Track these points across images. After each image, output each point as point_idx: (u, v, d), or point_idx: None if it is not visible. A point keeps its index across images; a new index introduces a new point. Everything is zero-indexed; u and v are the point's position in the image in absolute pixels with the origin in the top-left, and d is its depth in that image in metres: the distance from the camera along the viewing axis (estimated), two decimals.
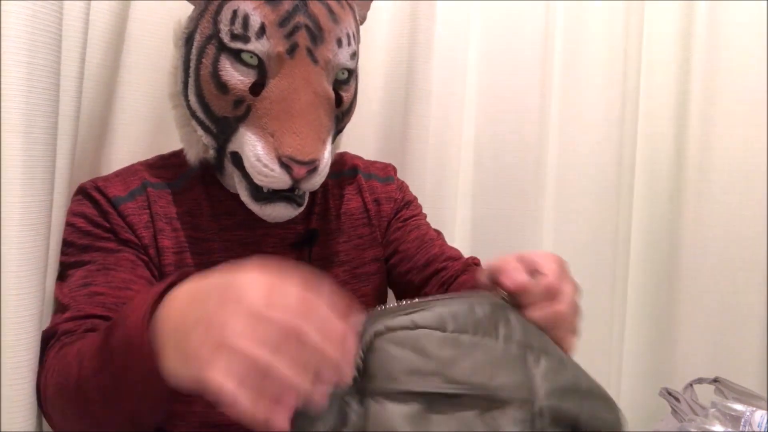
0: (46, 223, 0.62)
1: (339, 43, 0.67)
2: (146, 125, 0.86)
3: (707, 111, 1.11)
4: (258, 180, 0.66)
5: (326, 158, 0.67)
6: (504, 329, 0.46)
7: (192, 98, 0.69)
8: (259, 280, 0.38)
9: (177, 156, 0.76)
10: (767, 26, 1.09)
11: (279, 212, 0.68)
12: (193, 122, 0.70)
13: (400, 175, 0.91)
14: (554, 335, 0.52)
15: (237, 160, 0.68)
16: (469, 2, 1.06)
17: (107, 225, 0.68)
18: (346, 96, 0.71)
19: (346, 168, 0.85)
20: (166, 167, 0.75)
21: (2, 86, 0.56)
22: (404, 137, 1.04)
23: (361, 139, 1.01)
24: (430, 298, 0.47)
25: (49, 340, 0.61)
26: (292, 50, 0.64)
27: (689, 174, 1.13)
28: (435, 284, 0.78)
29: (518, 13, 1.08)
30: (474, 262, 0.81)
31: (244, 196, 0.69)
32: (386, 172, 0.87)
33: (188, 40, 0.69)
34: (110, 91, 0.83)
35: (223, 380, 0.35)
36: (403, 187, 0.88)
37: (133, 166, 0.76)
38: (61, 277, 0.67)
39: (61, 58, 0.63)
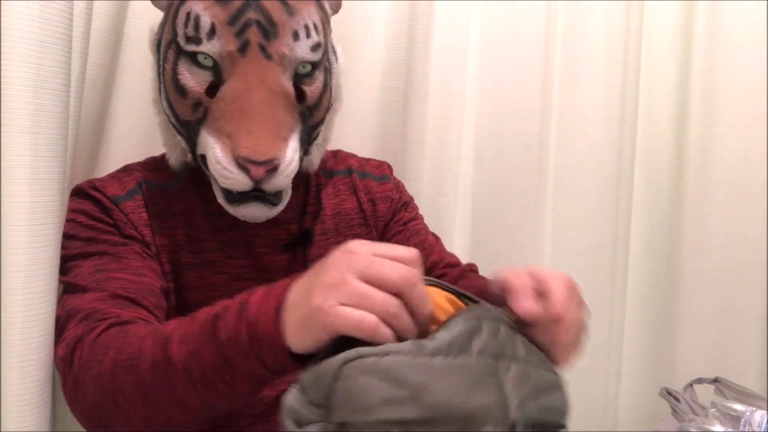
0: (55, 223, 0.62)
1: (295, 36, 0.66)
2: (143, 126, 0.86)
3: (707, 111, 1.11)
4: (221, 183, 0.65)
5: (289, 156, 0.66)
6: (479, 342, 0.44)
7: (164, 104, 0.69)
8: (366, 244, 0.46)
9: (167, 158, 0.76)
10: (767, 26, 1.09)
11: (253, 213, 0.68)
12: (171, 127, 0.71)
13: (398, 176, 0.91)
14: (554, 355, 0.51)
15: (206, 162, 0.68)
16: (469, 2, 1.06)
17: (110, 221, 0.68)
18: (309, 90, 0.69)
19: (340, 167, 0.84)
20: (160, 169, 0.75)
21: (6, 86, 0.57)
22: (403, 137, 1.04)
23: (359, 139, 1.01)
24: None
25: (68, 320, 0.59)
26: (243, 48, 0.64)
27: (689, 174, 1.13)
28: None
29: (518, 13, 1.08)
30: (471, 269, 0.81)
31: (219, 198, 0.69)
32: (381, 171, 0.86)
33: (158, 46, 0.69)
34: (107, 91, 0.83)
35: (353, 315, 0.42)
36: (399, 186, 0.87)
37: (127, 166, 0.76)
38: (64, 270, 0.66)
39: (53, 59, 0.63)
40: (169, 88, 0.67)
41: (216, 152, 0.64)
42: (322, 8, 0.72)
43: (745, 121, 1.11)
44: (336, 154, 0.86)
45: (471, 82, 1.09)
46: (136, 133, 0.86)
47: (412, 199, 0.89)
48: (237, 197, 0.67)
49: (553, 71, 1.10)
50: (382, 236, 0.83)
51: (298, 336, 0.45)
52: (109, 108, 0.84)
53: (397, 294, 0.43)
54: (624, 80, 1.11)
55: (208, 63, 0.65)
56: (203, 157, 0.68)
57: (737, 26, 1.09)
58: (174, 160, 0.73)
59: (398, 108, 1.05)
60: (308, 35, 0.67)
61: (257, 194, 0.67)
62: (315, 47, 0.68)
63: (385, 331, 0.42)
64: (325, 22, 0.72)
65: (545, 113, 1.09)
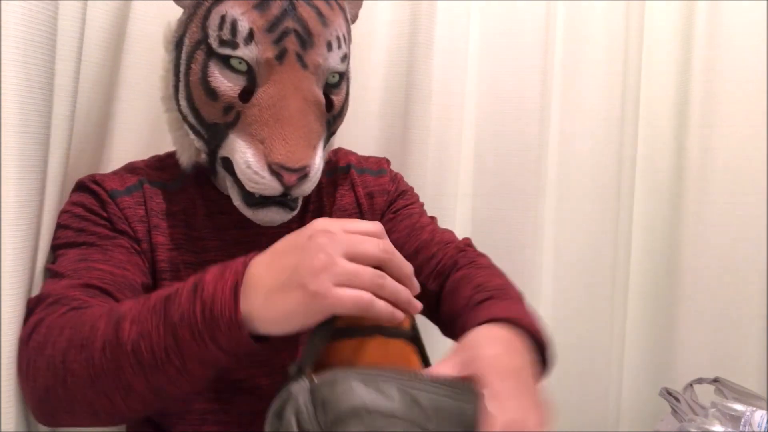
0: (36, 224, 0.62)
1: (329, 46, 0.66)
2: (145, 125, 0.86)
3: (707, 111, 1.11)
4: (249, 187, 0.65)
5: (317, 164, 0.67)
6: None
7: (183, 103, 0.69)
8: (334, 222, 0.49)
9: (173, 157, 0.76)
10: (767, 26, 1.09)
11: (272, 217, 0.68)
12: (185, 126, 0.70)
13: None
14: None
15: (228, 165, 0.68)
16: (469, 2, 1.06)
17: (104, 214, 0.68)
18: (336, 99, 0.70)
19: (340, 164, 0.85)
20: (163, 168, 0.76)
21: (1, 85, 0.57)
22: (404, 138, 1.04)
23: (361, 140, 1.01)
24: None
25: (37, 305, 0.59)
26: (281, 56, 0.64)
27: (689, 174, 1.13)
28: (428, 274, 0.76)
29: (518, 13, 1.08)
30: (466, 244, 0.80)
31: (237, 201, 0.69)
32: (379, 165, 0.87)
33: (178, 44, 0.69)
34: (109, 91, 0.83)
35: (350, 294, 0.44)
36: (396, 178, 0.87)
37: (131, 164, 0.76)
38: (53, 259, 0.66)
39: (57, 57, 0.63)
40: (197, 89, 0.66)
41: (247, 157, 0.64)
42: (347, 20, 0.73)
43: (745, 121, 1.11)
44: (336, 152, 0.87)
45: (471, 82, 1.10)
46: (140, 133, 0.86)
47: (411, 189, 0.88)
48: (258, 201, 0.67)
49: (553, 71, 1.10)
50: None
51: (283, 320, 0.46)
52: (112, 108, 0.84)
53: (378, 266, 0.47)
54: (624, 80, 1.12)
55: (243, 68, 0.64)
56: (225, 160, 0.68)
57: (737, 26, 1.09)
58: (186, 159, 0.73)
59: (400, 108, 1.05)
60: (339, 46, 0.68)
61: (279, 199, 0.67)
62: (344, 58, 0.69)
63: (380, 304, 0.45)
64: (349, 32, 0.73)
65: (545, 113, 1.10)
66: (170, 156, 0.77)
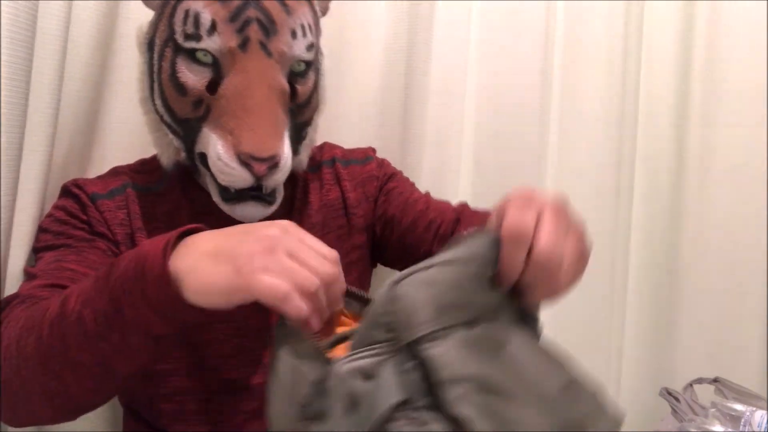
0: (7, 226, 0.63)
1: (293, 34, 0.67)
2: (134, 125, 0.86)
3: (707, 111, 1.11)
4: (221, 180, 0.66)
5: (286, 153, 0.67)
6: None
7: (158, 102, 0.69)
8: (297, 229, 0.48)
9: (156, 159, 0.76)
10: (767, 26, 1.09)
11: (249, 212, 0.68)
12: (163, 126, 0.71)
13: None
14: (552, 293, 0.47)
15: (205, 161, 0.68)
16: (470, 2, 1.06)
17: (84, 217, 0.69)
18: (302, 89, 0.70)
19: (325, 157, 0.85)
20: (147, 171, 0.76)
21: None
22: (404, 138, 1.04)
23: (360, 139, 1.01)
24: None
25: (6, 306, 0.59)
26: (244, 44, 0.64)
27: (689, 174, 1.13)
28: (431, 241, 0.77)
29: (518, 13, 1.08)
30: (463, 206, 0.81)
31: (215, 197, 0.69)
32: (365, 154, 0.87)
33: (150, 46, 0.69)
34: (98, 90, 0.83)
35: (272, 281, 0.43)
36: (383, 163, 0.88)
37: (115, 168, 0.77)
38: (35, 261, 0.67)
39: (40, 56, 0.64)
40: (167, 86, 0.67)
41: (218, 149, 0.64)
42: (313, 10, 0.73)
43: (746, 121, 1.11)
44: (321, 147, 0.87)
45: (471, 82, 1.09)
46: (129, 132, 0.86)
47: (399, 172, 0.89)
48: (234, 196, 0.67)
49: (552, 71, 1.10)
50: (375, 211, 0.83)
51: (204, 290, 0.45)
52: (101, 108, 0.85)
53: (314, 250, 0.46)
54: (624, 80, 1.11)
55: (208, 60, 0.65)
56: (202, 156, 0.68)
57: (737, 26, 1.09)
58: (166, 159, 0.73)
59: (399, 109, 1.05)
60: (304, 35, 0.69)
61: (254, 194, 0.67)
62: (309, 47, 0.70)
63: (295, 303, 0.43)
64: (317, 23, 0.74)
65: (545, 113, 1.09)
66: (154, 158, 0.77)
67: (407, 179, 0.89)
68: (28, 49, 0.62)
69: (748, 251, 1.12)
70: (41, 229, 0.68)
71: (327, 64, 0.79)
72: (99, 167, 0.83)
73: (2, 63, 0.59)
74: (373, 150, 0.90)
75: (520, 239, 0.43)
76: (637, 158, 1.16)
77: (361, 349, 0.42)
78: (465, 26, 1.06)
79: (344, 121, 1.03)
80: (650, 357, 1.16)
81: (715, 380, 0.96)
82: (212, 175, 0.68)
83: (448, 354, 0.39)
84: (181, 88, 0.66)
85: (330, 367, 0.42)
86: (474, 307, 0.42)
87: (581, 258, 0.49)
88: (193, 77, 0.65)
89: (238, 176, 0.64)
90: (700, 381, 0.97)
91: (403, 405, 0.39)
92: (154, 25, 0.69)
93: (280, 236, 0.46)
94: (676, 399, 0.93)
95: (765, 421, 0.82)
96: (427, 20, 1.02)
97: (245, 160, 0.63)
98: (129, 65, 0.84)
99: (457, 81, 1.06)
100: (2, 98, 0.59)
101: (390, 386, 0.39)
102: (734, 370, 1.06)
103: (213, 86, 0.66)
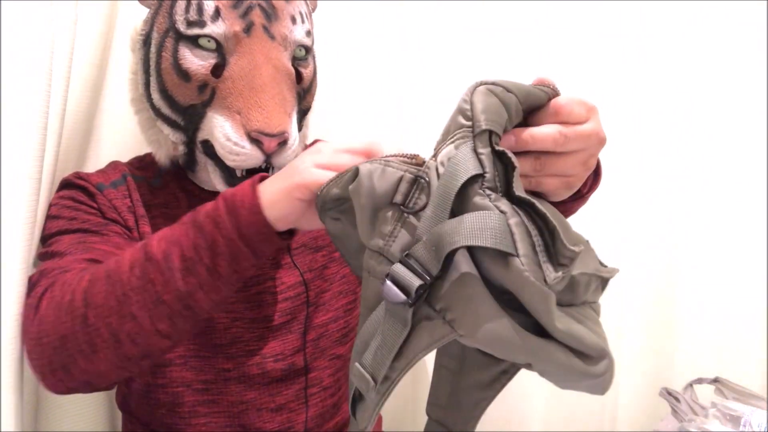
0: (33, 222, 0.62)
1: (293, 20, 0.69)
2: (132, 124, 0.86)
3: (707, 110, 1.11)
4: (231, 161, 0.66)
5: (294, 132, 0.68)
6: None
7: (155, 96, 0.70)
8: (323, 145, 0.54)
9: (152, 155, 0.77)
10: (767, 26, 1.09)
11: None
12: (159, 122, 0.71)
13: None
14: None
15: (208, 148, 0.69)
16: (469, 2, 1.06)
17: (94, 204, 0.69)
18: (305, 72, 0.72)
19: None
20: (143, 167, 0.77)
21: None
22: (402, 138, 1.04)
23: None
24: None
25: (41, 278, 0.59)
26: (248, 28, 0.66)
27: (689, 173, 1.13)
28: None
29: (514, 11, 1.08)
30: None
31: (220, 185, 0.70)
32: None
33: (145, 42, 0.70)
34: (97, 89, 0.83)
35: (323, 172, 0.50)
36: None
37: (112, 163, 0.77)
38: (44, 246, 0.66)
39: (51, 57, 0.64)
40: (169, 75, 0.68)
41: (226, 130, 0.65)
42: (307, 3, 0.75)
43: (745, 121, 1.11)
44: (314, 143, 0.88)
45: (471, 82, 1.09)
46: (127, 131, 0.87)
47: None
48: (240, 180, 0.68)
49: (548, 70, 1.10)
50: None
51: (275, 202, 0.51)
52: (99, 106, 0.85)
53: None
54: (623, 79, 1.11)
55: (211, 45, 0.66)
56: (205, 144, 0.69)
57: (737, 26, 1.09)
58: (164, 155, 0.74)
59: (398, 109, 1.05)
60: (303, 21, 0.71)
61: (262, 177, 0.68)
62: (308, 33, 0.72)
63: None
64: (310, 15, 0.76)
65: None
66: (149, 155, 0.78)
67: None
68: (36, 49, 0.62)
69: (748, 251, 1.12)
70: (50, 217, 0.68)
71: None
72: (94, 166, 0.83)
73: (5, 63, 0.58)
74: None
75: (570, 104, 0.47)
76: (637, 156, 1.16)
77: (445, 141, 0.44)
78: (460, 25, 1.06)
79: (344, 122, 1.03)
80: (650, 357, 1.16)
81: (715, 380, 0.96)
82: (215, 163, 0.69)
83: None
84: (184, 75, 0.67)
85: (421, 167, 0.45)
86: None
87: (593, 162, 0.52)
88: (198, 62, 0.66)
89: (248, 154, 0.65)
90: (700, 381, 0.97)
91: (479, 179, 0.41)
92: (151, 20, 0.70)
93: (320, 147, 0.53)
94: (676, 399, 0.93)
95: (765, 421, 0.82)
96: (423, 20, 1.01)
97: (255, 137, 0.64)
98: (127, 65, 0.84)
99: (456, 81, 1.06)
100: (2, 98, 0.59)
101: (468, 159, 0.41)
102: (734, 370, 1.06)
103: (217, 70, 0.67)
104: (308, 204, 0.51)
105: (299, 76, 0.71)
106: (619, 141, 1.11)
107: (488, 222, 0.38)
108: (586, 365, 0.40)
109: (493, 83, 0.45)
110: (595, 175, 0.60)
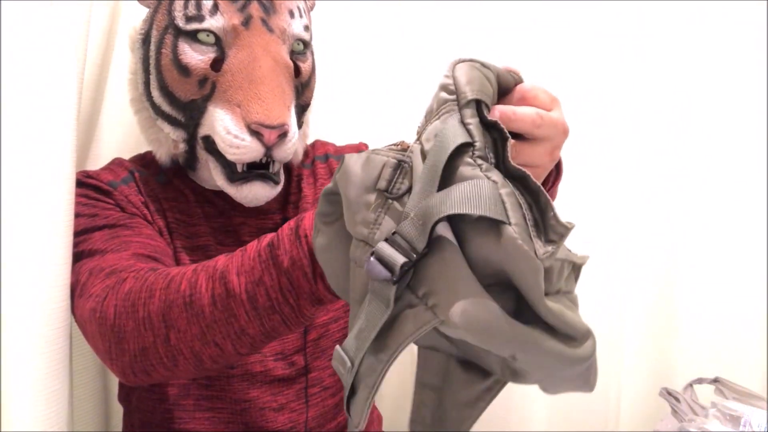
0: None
1: (291, 14, 0.70)
2: (131, 125, 0.86)
3: (707, 110, 1.11)
4: (231, 154, 0.66)
5: (294, 127, 0.68)
6: None
7: (155, 93, 0.70)
8: None
9: (152, 153, 0.77)
10: (767, 26, 1.09)
11: (256, 192, 0.69)
12: (159, 120, 0.71)
13: None
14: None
15: (209, 144, 0.69)
16: (469, 2, 1.06)
17: (111, 201, 0.69)
18: (303, 67, 0.72)
19: (318, 153, 0.86)
20: (146, 164, 0.77)
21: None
22: (403, 138, 1.04)
23: (359, 140, 1.01)
24: None
25: (90, 277, 0.58)
26: (246, 22, 0.66)
27: (689, 172, 1.13)
28: None
29: (518, 12, 1.08)
30: None
31: (221, 181, 0.70)
32: (357, 149, 0.89)
33: (145, 40, 0.71)
34: (97, 89, 0.84)
35: None
36: None
37: (116, 159, 0.77)
38: (75, 244, 0.64)
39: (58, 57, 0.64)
40: (169, 71, 0.68)
41: (226, 123, 0.65)
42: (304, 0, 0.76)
43: (745, 121, 1.11)
44: (313, 144, 0.89)
45: None
46: (129, 130, 0.87)
47: None
48: (241, 176, 0.68)
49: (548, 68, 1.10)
50: None
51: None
52: (101, 105, 0.85)
53: None
54: (623, 79, 1.11)
55: (210, 40, 0.67)
56: (206, 139, 0.69)
57: (737, 26, 1.09)
58: (164, 155, 0.74)
59: (397, 109, 1.05)
60: (301, 15, 0.71)
61: (261, 171, 0.69)
62: (306, 28, 0.72)
63: None
64: (308, 11, 0.76)
65: None
66: (149, 153, 0.78)
67: None
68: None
69: (748, 251, 1.12)
70: None
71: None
72: (95, 166, 0.83)
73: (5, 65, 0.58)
74: (367, 146, 0.91)
75: (535, 91, 0.47)
76: (637, 155, 1.16)
77: (429, 121, 0.43)
78: (461, 25, 1.06)
79: (341, 122, 1.03)
80: (650, 357, 1.16)
81: (715, 380, 0.96)
82: (216, 159, 0.69)
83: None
84: (184, 70, 0.67)
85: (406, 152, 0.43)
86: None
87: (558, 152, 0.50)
88: (197, 56, 0.67)
89: (249, 147, 0.65)
90: (700, 381, 0.97)
91: (467, 148, 0.39)
92: (150, 19, 0.71)
93: None
94: (676, 399, 0.93)
95: (765, 421, 0.82)
96: (422, 20, 1.01)
97: (255, 129, 0.64)
98: (127, 65, 0.84)
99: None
100: (2, 99, 0.59)
101: (456, 130, 0.40)
102: (734, 370, 1.06)
103: (217, 64, 0.67)
104: None
105: (297, 70, 0.71)
106: (618, 141, 1.11)
107: (479, 190, 0.37)
108: (572, 349, 0.39)
109: (471, 60, 0.45)
110: (557, 170, 0.60)
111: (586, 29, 1.07)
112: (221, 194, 0.76)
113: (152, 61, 0.70)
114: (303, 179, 0.82)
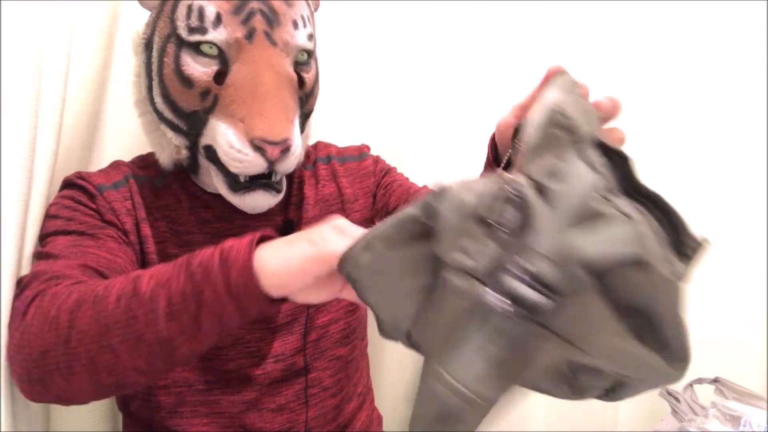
0: (23, 222, 0.62)
1: (295, 25, 0.69)
2: (133, 126, 0.86)
3: (707, 110, 1.11)
4: (234, 168, 0.66)
5: (297, 138, 0.68)
6: None
7: (158, 100, 0.69)
8: (345, 223, 0.50)
9: (154, 155, 0.77)
10: (767, 26, 1.09)
11: (259, 201, 0.69)
12: (162, 125, 0.71)
13: None
14: None
15: (211, 153, 0.69)
16: (470, 2, 1.06)
17: (93, 206, 0.69)
18: (307, 77, 0.72)
19: (320, 154, 0.86)
20: (146, 166, 0.76)
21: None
22: (402, 139, 1.04)
23: (359, 141, 1.01)
24: None
25: (33, 280, 0.58)
26: (250, 35, 0.66)
27: (689, 172, 1.13)
28: None
29: (518, 12, 1.08)
30: None
31: (223, 190, 0.70)
32: (360, 151, 0.89)
33: (148, 45, 0.70)
34: (99, 91, 0.83)
35: (346, 241, 0.46)
36: (378, 160, 0.90)
37: (116, 162, 0.77)
38: (41, 245, 0.66)
39: (46, 58, 0.64)
40: (171, 81, 0.67)
41: (229, 137, 0.65)
42: (308, 5, 0.75)
43: (745, 120, 1.11)
44: (315, 145, 0.88)
45: (472, 83, 1.09)
46: (129, 133, 0.86)
47: (394, 168, 0.90)
48: (243, 186, 0.68)
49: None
50: (374, 205, 0.85)
51: (288, 268, 0.48)
52: (101, 108, 0.85)
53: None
54: (622, 80, 1.11)
55: (213, 52, 0.66)
56: (208, 149, 0.69)
57: (737, 26, 1.09)
58: (166, 159, 0.74)
59: (397, 109, 1.05)
60: (305, 25, 0.70)
61: (264, 181, 0.68)
62: (310, 37, 0.71)
63: None
64: (312, 16, 0.75)
65: None
66: (152, 154, 0.77)
67: (401, 174, 0.90)
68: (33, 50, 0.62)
69: (748, 251, 1.12)
70: (49, 216, 0.68)
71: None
72: (97, 166, 0.82)
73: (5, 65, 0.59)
74: (368, 147, 0.91)
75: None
76: (636, 155, 1.15)
77: (536, 154, 0.42)
78: (461, 25, 1.06)
79: (341, 122, 1.03)
80: None
81: (715, 380, 0.96)
82: (218, 168, 0.69)
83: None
84: (187, 81, 0.66)
85: (509, 181, 0.42)
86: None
87: None
88: (200, 69, 0.66)
89: (251, 162, 0.65)
90: (700, 381, 0.97)
91: (596, 186, 0.40)
92: (152, 24, 0.70)
93: (342, 223, 0.50)
94: (676, 399, 0.93)
95: (765, 421, 0.82)
96: (423, 21, 1.01)
97: (258, 145, 0.64)
98: (129, 66, 0.84)
99: (456, 82, 1.06)
100: (2, 100, 0.59)
101: (581, 170, 0.40)
102: (734, 370, 1.06)
103: (220, 77, 0.66)
104: (317, 280, 0.49)
105: (301, 81, 0.71)
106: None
107: (616, 230, 0.37)
108: (677, 371, 0.40)
109: (562, 74, 0.47)
110: None
111: (586, 29, 1.07)
112: (222, 198, 0.75)
113: (155, 68, 0.69)
114: (305, 181, 0.82)
